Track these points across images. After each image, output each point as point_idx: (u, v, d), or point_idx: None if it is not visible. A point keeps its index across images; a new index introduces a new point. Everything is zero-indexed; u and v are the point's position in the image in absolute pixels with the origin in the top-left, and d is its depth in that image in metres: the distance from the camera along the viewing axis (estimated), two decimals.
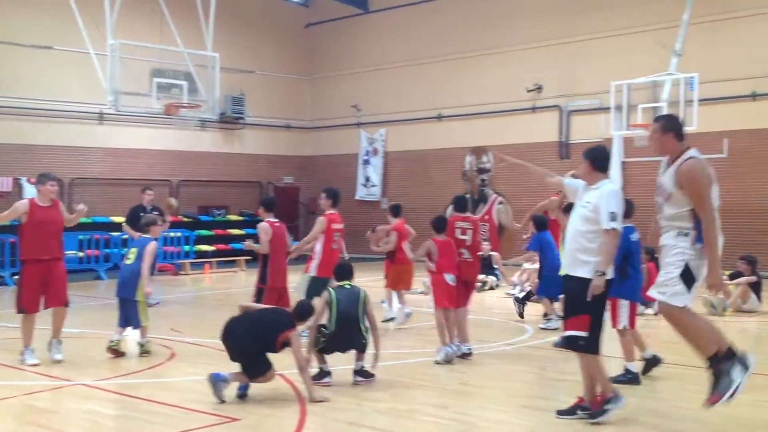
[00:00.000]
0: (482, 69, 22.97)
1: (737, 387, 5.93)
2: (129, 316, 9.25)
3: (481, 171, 23.36)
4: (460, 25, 23.70)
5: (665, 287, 6.14)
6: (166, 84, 17.05)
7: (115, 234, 19.97)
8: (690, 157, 6.07)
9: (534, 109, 22.23)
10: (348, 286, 8.10)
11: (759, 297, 13.17)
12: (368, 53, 25.59)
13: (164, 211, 13.37)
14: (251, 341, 7.37)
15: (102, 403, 7.36)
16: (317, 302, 8.30)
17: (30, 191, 20.76)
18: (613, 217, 6.35)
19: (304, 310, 7.82)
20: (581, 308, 6.37)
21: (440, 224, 9.23)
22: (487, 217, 22.98)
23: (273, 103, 26.13)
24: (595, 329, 6.43)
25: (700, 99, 16.43)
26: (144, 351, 9.26)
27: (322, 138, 27.08)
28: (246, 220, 24.15)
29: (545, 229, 11.30)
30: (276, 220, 10.03)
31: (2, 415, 6.98)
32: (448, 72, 23.70)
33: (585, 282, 6.33)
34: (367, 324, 7.97)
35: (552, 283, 10.18)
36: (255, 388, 7.45)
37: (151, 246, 9.46)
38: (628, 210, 7.99)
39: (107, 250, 19.56)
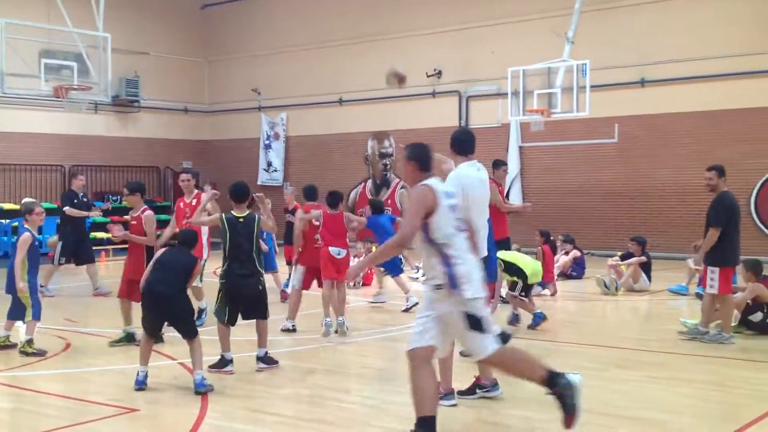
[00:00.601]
0: (383, 53, 23.00)
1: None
2: (13, 310, 8.79)
3: (383, 156, 23.48)
4: (360, 8, 23.68)
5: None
6: (56, 65, 16.39)
7: (4, 222, 19.18)
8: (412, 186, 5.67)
9: (434, 94, 22.47)
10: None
11: (649, 277, 13.75)
12: (268, 36, 25.28)
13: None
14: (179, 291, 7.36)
15: None
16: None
17: None
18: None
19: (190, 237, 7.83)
20: None
21: (332, 199, 9.87)
22: (390, 201, 23.16)
23: (169, 85, 25.50)
24: None
25: (592, 85, 16.94)
26: (22, 350, 8.55)
27: (222, 122, 26.63)
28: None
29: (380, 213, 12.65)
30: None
31: None
32: (349, 56, 23.67)
33: None
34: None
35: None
36: (153, 377, 7.31)
37: (24, 237, 8.70)
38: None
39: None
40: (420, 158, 5.66)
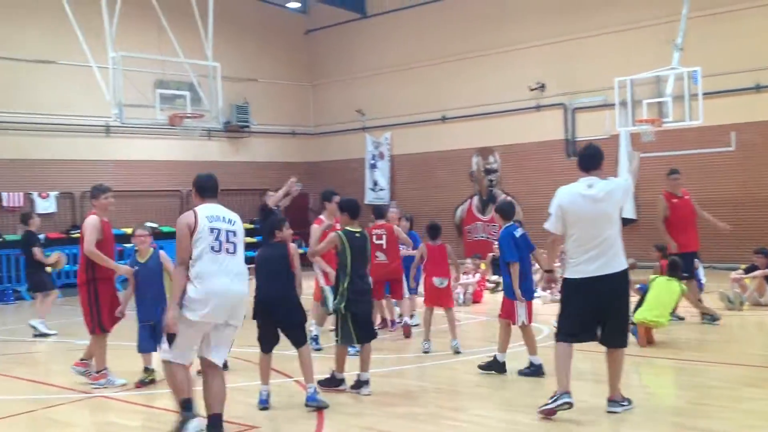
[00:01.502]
0: (484, 69, 22.97)
1: None
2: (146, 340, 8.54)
3: (489, 172, 23.37)
4: (459, 25, 23.71)
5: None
6: (169, 95, 17.07)
7: (128, 245, 20.08)
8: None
9: (538, 107, 22.23)
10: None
11: None
12: (368, 57, 25.64)
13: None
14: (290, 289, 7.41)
15: (122, 414, 7.41)
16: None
17: (42, 206, 20.93)
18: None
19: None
20: None
21: (433, 233, 10.14)
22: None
23: (277, 110, 26.20)
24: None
25: (704, 92, 16.38)
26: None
27: (328, 143, 27.13)
28: (256, 227, 24.20)
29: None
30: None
31: (24, 429, 7.04)
32: (450, 73, 23.72)
33: None
34: None
35: None
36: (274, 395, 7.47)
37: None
38: (511, 209, 9.12)
39: (120, 262, 19.63)
40: (196, 185, 6.68)
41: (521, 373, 8.39)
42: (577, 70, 21.51)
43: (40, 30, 20.82)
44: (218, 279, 6.13)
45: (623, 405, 6.84)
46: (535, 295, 10.14)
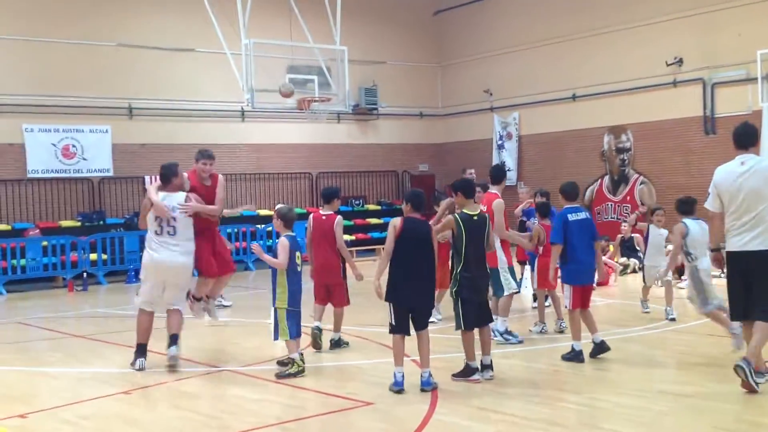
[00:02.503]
0: (617, 45, 22.22)
1: None
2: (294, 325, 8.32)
3: (621, 151, 22.64)
4: (589, 1, 23.02)
5: None
6: (300, 80, 17.52)
7: (260, 226, 20.84)
8: None
9: (675, 83, 21.30)
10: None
11: None
12: (497, 36, 25.31)
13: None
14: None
15: (246, 387, 7.74)
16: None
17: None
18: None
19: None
20: None
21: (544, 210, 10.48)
22: (629, 197, 22.30)
23: (405, 92, 26.33)
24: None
25: None
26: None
27: (455, 124, 27.05)
28: (384, 209, 24.54)
29: None
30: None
31: (154, 400, 7.50)
32: (580, 50, 23.09)
33: None
34: None
35: None
36: (387, 372, 7.59)
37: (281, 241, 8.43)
38: (572, 191, 8.73)
39: (255, 242, 20.43)
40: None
41: (564, 357, 8.33)
42: (717, 43, 20.46)
43: (179, 19, 21.77)
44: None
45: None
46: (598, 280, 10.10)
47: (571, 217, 8.46)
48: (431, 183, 26.64)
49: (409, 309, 7.39)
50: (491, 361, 7.79)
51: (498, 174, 10.04)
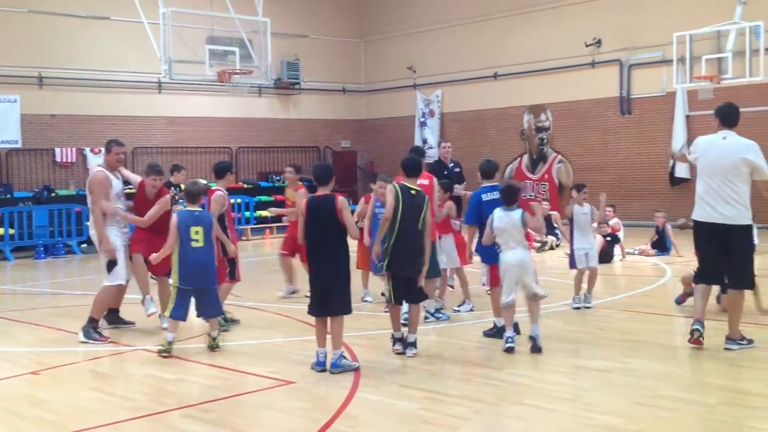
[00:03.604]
0: (538, 25, 22.45)
1: None
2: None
3: (540, 130, 22.97)
4: None
5: None
6: (219, 51, 17.06)
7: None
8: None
9: (593, 64, 21.68)
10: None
11: None
12: (421, 13, 25.25)
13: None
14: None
15: (161, 367, 7.49)
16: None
17: (94, 161, 21.27)
18: None
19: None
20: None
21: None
22: (546, 176, 22.66)
23: (328, 67, 26.06)
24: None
25: (767, 48, 15.76)
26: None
27: (378, 101, 26.95)
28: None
29: None
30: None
31: (65, 381, 7.18)
32: (504, 29, 23.25)
33: None
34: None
35: None
36: (309, 351, 7.47)
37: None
38: (489, 169, 8.60)
39: None
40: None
41: (486, 334, 8.34)
42: (634, 25, 20.88)
43: None
44: None
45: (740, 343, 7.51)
46: None
47: (486, 197, 8.37)
48: (353, 160, 26.53)
49: (322, 289, 7.24)
50: (416, 339, 7.73)
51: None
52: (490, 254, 8.27)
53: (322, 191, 7.27)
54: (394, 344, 7.72)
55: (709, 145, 7.65)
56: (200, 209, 8.09)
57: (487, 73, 23.73)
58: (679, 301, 9.74)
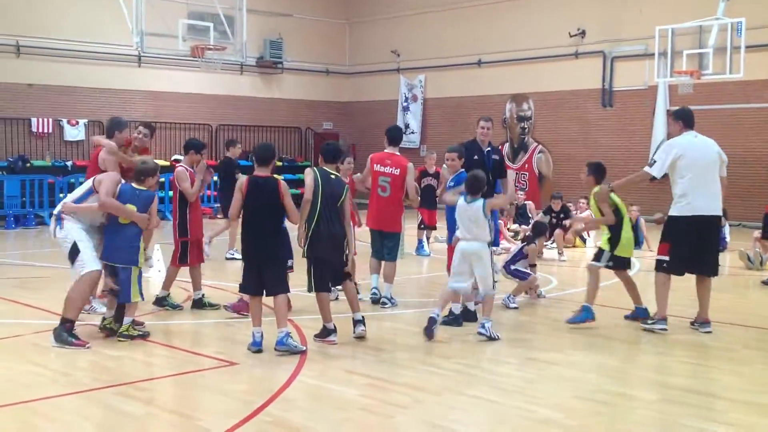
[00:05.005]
0: (524, 14, 22.30)
1: None
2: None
3: (522, 119, 22.86)
4: None
5: None
6: (200, 27, 16.86)
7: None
8: None
9: (577, 54, 21.56)
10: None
11: None
12: None
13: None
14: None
15: (105, 343, 7.37)
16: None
17: (71, 133, 21.07)
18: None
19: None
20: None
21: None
22: (527, 166, 22.58)
23: (312, 47, 25.84)
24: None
25: (747, 45, 15.69)
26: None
27: (361, 83, 26.76)
28: (285, 165, 24.12)
29: None
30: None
31: (6, 353, 7.06)
32: (489, 17, 23.08)
33: None
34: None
35: None
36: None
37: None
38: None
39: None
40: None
41: (443, 321, 8.06)
42: (619, 17, 20.77)
43: None
44: None
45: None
46: None
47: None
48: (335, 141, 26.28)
49: (256, 267, 7.15)
50: (363, 317, 7.68)
51: (396, 135, 9.64)
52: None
53: (262, 172, 7.22)
54: (328, 335, 7.47)
55: (687, 144, 8.03)
56: (145, 189, 7.72)
57: (471, 60, 23.58)
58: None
